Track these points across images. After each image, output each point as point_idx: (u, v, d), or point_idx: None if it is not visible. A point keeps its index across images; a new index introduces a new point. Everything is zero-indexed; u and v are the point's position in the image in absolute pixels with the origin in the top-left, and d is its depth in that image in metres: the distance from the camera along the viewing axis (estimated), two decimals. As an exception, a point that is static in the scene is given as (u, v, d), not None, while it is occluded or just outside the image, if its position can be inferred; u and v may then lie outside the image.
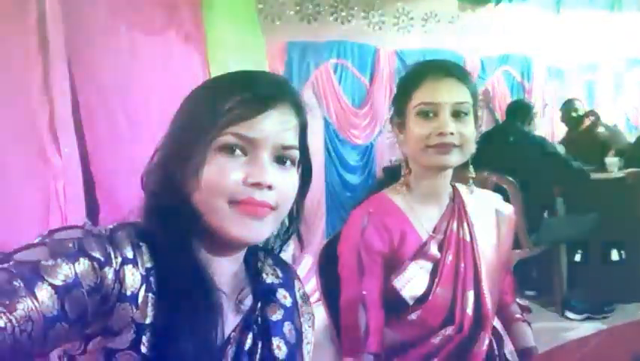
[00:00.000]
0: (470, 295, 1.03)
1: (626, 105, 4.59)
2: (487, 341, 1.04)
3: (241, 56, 2.57)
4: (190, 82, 1.96)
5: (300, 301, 0.75)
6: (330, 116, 3.43)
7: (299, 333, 0.73)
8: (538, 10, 4.25)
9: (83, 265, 0.51)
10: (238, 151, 0.61)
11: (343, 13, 3.47)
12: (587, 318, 2.78)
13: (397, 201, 1.07)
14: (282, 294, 0.72)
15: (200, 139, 0.60)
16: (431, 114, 0.99)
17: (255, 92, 0.62)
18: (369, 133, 3.63)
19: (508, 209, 1.15)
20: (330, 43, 3.42)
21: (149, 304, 0.57)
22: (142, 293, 0.57)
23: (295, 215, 0.69)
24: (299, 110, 0.66)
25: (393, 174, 1.13)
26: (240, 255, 0.69)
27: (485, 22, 4.02)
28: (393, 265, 1.03)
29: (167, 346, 0.56)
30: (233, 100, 0.61)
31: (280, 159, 0.63)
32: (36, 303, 0.46)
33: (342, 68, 3.49)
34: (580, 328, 2.69)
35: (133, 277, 0.56)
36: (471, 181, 1.09)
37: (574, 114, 3.64)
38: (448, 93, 0.99)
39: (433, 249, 1.04)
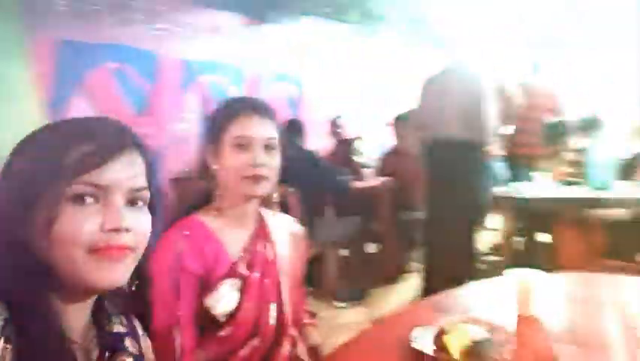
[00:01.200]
0: (273, 307, 1.16)
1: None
2: (288, 347, 1.20)
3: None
4: None
5: (144, 349, 0.76)
6: (109, 124, 3.21)
7: None
8: (310, 35, 4.78)
9: None
10: (90, 199, 0.61)
11: (124, 15, 3.29)
12: (352, 304, 3.29)
13: (210, 225, 1.13)
14: (129, 342, 0.73)
15: (46, 193, 0.58)
16: (245, 147, 1.09)
17: (101, 140, 0.62)
18: (153, 143, 3.52)
19: (300, 228, 1.34)
20: (109, 45, 3.19)
21: (7, 357, 0.54)
22: (1, 345, 0.54)
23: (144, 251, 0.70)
24: (143, 152, 0.68)
25: (204, 199, 1.19)
26: (92, 303, 0.68)
27: (267, 41, 4.33)
28: (206, 285, 1.09)
29: None
30: (79, 150, 0.60)
31: (132, 201, 0.64)
32: None
33: (122, 74, 3.30)
34: (347, 313, 3.18)
35: None
36: (275, 206, 1.23)
37: (339, 130, 4.23)
38: (261, 129, 1.11)
39: (242, 268, 1.14)
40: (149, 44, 3.46)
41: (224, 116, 1.13)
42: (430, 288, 3.29)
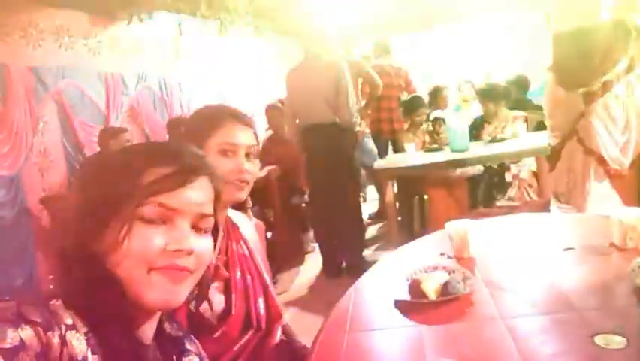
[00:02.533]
0: (261, 300, 1.22)
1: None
2: (280, 332, 1.27)
3: None
4: None
5: (200, 347, 0.79)
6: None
7: None
8: (164, 31, 4.60)
9: (26, 330, 0.51)
10: (159, 219, 0.63)
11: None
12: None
13: None
14: (189, 344, 0.76)
15: (121, 210, 0.60)
16: (230, 153, 1.12)
17: (178, 165, 0.65)
18: (12, 161, 3.12)
19: (258, 221, 1.41)
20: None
21: None
22: (90, 356, 0.56)
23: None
24: (214, 180, 0.71)
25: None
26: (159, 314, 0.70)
27: (121, 40, 4.06)
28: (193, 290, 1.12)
29: None
30: (157, 172, 0.63)
31: (197, 226, 0.67)
32: None
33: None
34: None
35: (79, 342, 0.55)
36: (249, 211, 1.28)
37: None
38: (245, 136, 1.14)
39: (223, 270, 1.17)
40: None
41: (208, 124, 1.14)
42: (329, 262, 3.53)
